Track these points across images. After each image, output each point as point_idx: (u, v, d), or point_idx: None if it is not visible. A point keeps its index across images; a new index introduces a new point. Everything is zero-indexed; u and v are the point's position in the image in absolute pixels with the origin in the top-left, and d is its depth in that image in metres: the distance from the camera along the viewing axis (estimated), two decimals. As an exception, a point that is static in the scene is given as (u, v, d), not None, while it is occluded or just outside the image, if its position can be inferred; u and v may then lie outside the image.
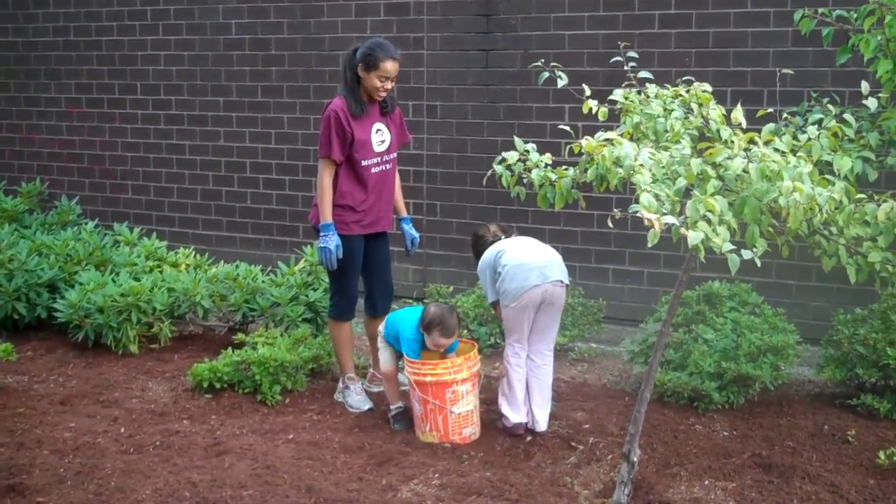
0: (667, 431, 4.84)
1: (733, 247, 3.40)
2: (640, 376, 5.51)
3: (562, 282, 4.86)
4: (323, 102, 7.17)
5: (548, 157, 4.29)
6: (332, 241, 5.11)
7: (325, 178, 5.13)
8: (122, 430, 5.01)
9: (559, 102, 6.61)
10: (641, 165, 3.66)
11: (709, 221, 3.44)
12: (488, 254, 5.00)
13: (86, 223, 7.63)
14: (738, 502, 4.08)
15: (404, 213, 5.62)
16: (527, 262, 4.80)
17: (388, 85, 5.13)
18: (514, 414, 4.90)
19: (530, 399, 4.92)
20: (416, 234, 5.57)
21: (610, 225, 4.18)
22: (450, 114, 7.09)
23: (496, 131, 6.92)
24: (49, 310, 6.48)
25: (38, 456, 4.64)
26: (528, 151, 4.30)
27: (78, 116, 8.64)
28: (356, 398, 5.34)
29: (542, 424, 4.92)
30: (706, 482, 4.28)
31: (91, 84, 8.53)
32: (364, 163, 5.17)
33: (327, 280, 5.84)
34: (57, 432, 4.96)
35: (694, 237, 3.35)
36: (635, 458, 4.00)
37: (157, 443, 4.83)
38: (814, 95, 5.11)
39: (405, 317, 5.01)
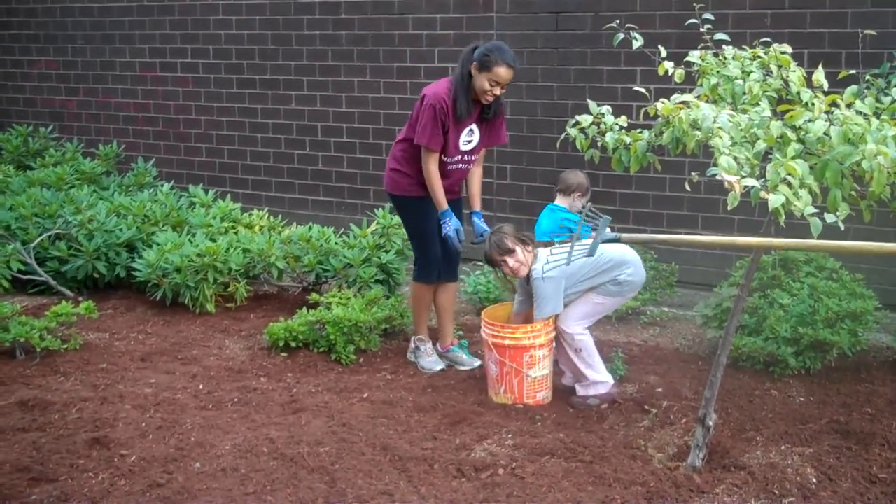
0: (742, 396, 4.81)
1: (816, 210, 3.36)
2: (713, 341, 5.47)
3: None
4: (392, 66, 7.18)
5: (623, 120, 4.25)
6: (451, 226, 5.12)
7: (431, 165, 5.08)
8: (201, 386, 5.13)
9: (631, 65, 6.54)
10: (720, 128, 3.61)
11: (789, 185, 3.40)
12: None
13: (161, 185, 7.76)
14: (816, 468, 4.04)
15: (478, 208, 5.42)
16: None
17: (497, 91, 5.00)
18: (606, 377, 4.88)
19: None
20: (487, 228, 5.35)
21: (687, 188, 4.14)
22: (519, 76, 7.03)
23: (566, 94, 6.87)
24: (128, 269, 6.63)
25: (120, 410, 4.77)
26: (602, 114, 4.27)
27: (152, 80, 8.79)
28: (428, 359, 5.39)
29: None
30: (782, 447, 4.25)
31: (164, 48, 8.65)
32: (444, 158, 5.14)
33: (403, 242, 5.92)
34: (138, 388, 5.09)
35: (775, 200, 3.31)
36: (711, 423, 3.99)
37: (235, 399, 4.94)
38: (896, 56, 4.99)
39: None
